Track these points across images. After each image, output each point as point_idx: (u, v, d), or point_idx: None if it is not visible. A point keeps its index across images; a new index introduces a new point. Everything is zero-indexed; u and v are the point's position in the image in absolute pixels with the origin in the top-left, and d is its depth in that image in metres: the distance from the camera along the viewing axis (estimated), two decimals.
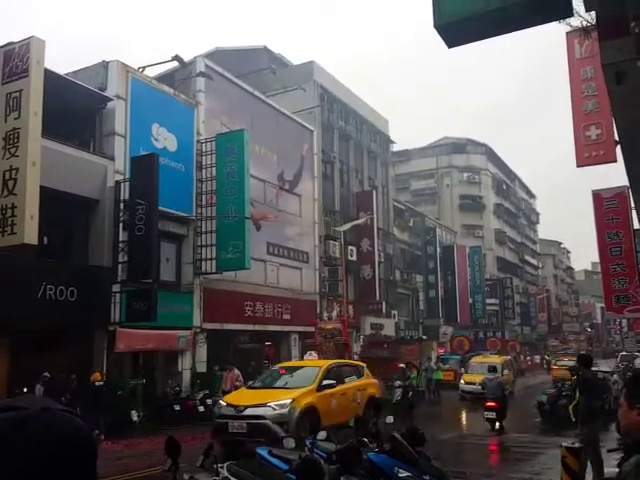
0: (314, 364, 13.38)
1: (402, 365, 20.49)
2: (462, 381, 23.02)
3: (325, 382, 11.56)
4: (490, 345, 38.67)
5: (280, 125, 23.15)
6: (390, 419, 7.39)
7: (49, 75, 12.89)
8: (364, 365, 14.30)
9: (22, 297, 12.35)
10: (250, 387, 12.36)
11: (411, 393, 17.74)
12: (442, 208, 51.40)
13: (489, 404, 13.65)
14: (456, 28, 4.26)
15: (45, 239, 13.36)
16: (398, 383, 17.34)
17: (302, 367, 13.26)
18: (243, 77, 22.27)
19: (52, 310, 12.97)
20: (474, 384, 21.63)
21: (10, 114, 12.19)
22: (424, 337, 35.66)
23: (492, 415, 13.48)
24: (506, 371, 23.01)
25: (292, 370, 12.96)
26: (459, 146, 54.41)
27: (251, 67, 24.98)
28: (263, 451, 6.43)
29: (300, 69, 27.33)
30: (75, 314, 13.42)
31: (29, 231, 11.84)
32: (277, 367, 13.64)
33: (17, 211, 11.89)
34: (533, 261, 67.30)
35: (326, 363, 12.98)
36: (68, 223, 14.82)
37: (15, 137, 12.09)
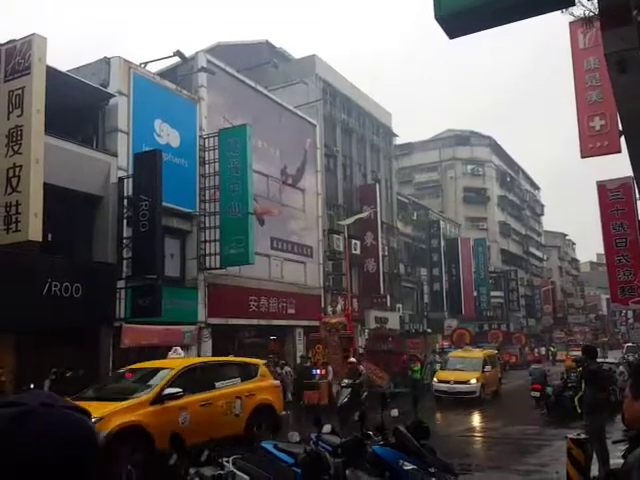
0: (170, 365, 10.07)
1: (352, 360, 16.34)
2: (435, 379, 20.00)
3: (168, 390, 8.82)
4: (492, 337, 38.59)
5: (282, 119, 23.10)
6: (395, 412, 7.40)
7: (51, 72, 12.87)
8: (259, 363, 11.23)
9: (27, 294, 12.40)
10: (77, 397, 8.76)
11: (365, 393, 14.08)
12: (446, 201, 51.28)
13: (535, 386, 17.00)
14: (457, 19, 4.22)
15: (49, 236, 13.39)
16: (346, 382, 13.71)
17: (153, 369, 9.97)
18: (245, 72, 22.22)
19: (57, 306, 13.02)
20: (449, 382, 18.83)
21: (13, 111, 12.18)
22: (429, 330, 35.66)
23: (537, 394, 16.68)
24: (488, 367, 20.24)
25: (141, 373, 10.04)
26: (463, 138, 54.21)
27: (253, 61, 24.91)
28: (268, 445, 6.46)
29: (302, 63, 27.23)
30: (80, 310, 13.47)
31: (33, 228, 11.86)
32: (124, 370, 10.64)
33: (21, 208, 11.91)
34: (538, 253, 67.12)
35: (184, 363, 10.14)
36: (72, 220, 14.83)
37: (18, 134, 12.10)
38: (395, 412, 7.37)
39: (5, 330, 12.26)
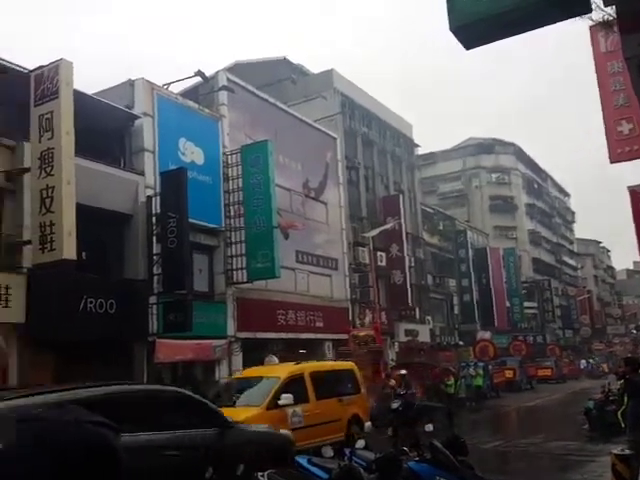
0: None
1: (402, 371, 14.44)
2: None
3: None
4: (514, 350, 36.77)
5: (303, 134, 23.30)
6: (430, 427, 7.30)
7: (78, 95, 13.25)
8: None
9: (64, 311, 12.68)
10: None
11: None
12: (472, 210, 50.80)
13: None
14: (473, 29, 4.23)
15: (83, 254, 13.66)
16: None
17: None
18: (264, 88, 22.56)
19: (93, 323, 13.29)
20: None
21: (44, 135, 12.55)
22: (461, 343, 35.12)
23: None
24: (287, 397, 10.41)
25: None
26: (486, 146, 53.79)
27: (271, 78, 25.28)
28: (302, 460, 6.45)
29: (320, 78, 27.59)
30: (115, 326, 13.72)
31: (68, 247, 12.13)
32: None
33: (55, 228, 12.20)
34: (571, 262, 65.71)
35: None
36: (104, 238, 15.17)
37: (49, 157, 12.46)
38: (430, 427, 7.25)
39: (45, 346, 12.55)
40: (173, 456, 5.68)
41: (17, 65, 13.35)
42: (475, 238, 42.51)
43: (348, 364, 14.46)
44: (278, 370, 12.37)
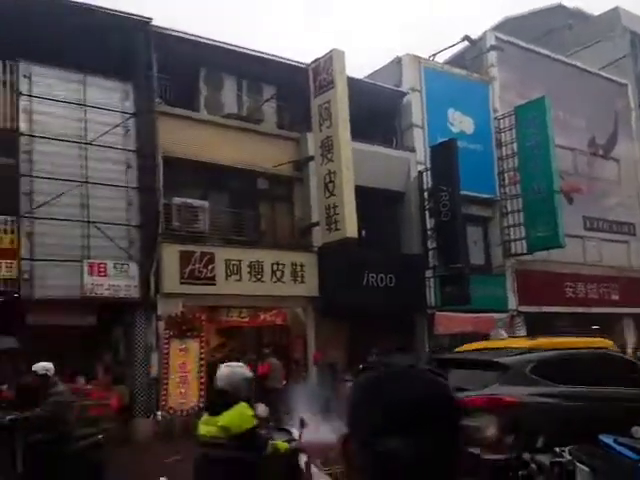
0: None
1: None
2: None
3: None
4: None
5: (585, 85, 20.70)
6: None
7: (351, 82, 13.98)
8: None
9: (352, 285, 13.79)
10: None
11: None
12: None
13: None
14: None
15: (363, 232, 14.57)
16: None
17: None
18: (537, 41, 20.69)
19: (375, 296, 14.13)
20: None
21: (323, 124, 13.63)
22: None
23: None
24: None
25: None
26: None
27: (545, 28, 23.03)
28: (608, 439, 5.86)
29: (603, 19, 24.23)
30: (395, 299, 14.34)
31: (350, 226, 13.09)
32: None
33: (338, 210, 13.26)
34: None
35: None
36: (379, 216, 15.91)
37: (329, 144, 13.49)
38: None
39: (336, 317, 13.87)
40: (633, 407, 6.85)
41: (296, 61, 14.69)
42: None
43: (604, 341, 11.44)
44: (513, 343, 9.37)
